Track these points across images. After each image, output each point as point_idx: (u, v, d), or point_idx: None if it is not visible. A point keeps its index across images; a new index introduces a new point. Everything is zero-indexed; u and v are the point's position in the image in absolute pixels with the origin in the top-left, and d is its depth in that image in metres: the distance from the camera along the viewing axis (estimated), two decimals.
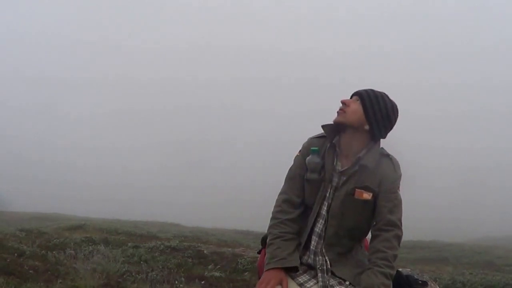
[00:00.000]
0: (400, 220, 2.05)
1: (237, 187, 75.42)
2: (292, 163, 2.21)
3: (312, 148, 2.10)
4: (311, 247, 2.10)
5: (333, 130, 2.12)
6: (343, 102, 2.09)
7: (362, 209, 2.06)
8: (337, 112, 2.09)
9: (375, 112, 2.06)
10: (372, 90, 2.12)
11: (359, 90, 2.13)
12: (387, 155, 2.11)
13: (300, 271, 2.07)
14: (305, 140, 2.22)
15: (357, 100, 2.09)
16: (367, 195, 2.04)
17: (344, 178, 2.08)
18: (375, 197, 2.05)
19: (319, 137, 2.17)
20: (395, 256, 2.00)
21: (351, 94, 2.17)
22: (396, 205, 2.05)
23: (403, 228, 2.07)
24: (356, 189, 2.05)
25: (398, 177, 2.09)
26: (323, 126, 2.13)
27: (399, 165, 2.11)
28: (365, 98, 2.08)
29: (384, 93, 2.14)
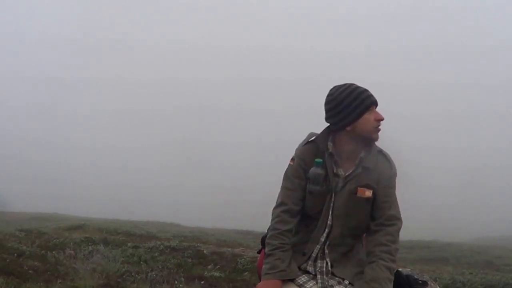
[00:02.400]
0: (399, 213, 2.12)
1: (237, 187, 75.36)
2: (287, 167, 2.21)
3: (316, 160, 2.10)
4: (312, 254, 2.13)
5: (325, 137, 2.14)
6: (381, 119, 2.09)
7: (365, 207, 2.09)
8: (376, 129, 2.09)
9: None
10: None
11: (375, 99, 2.11)
12: (380, 151, 2.15)
13: (299, 273, 2.10)
14: (303, 139, 2.21)
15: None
16: (368, 193, 2.09)
17: (347, 181, 2.11)
18: (374, 193, 2.10)
19: (308, 143, 2.17)
20: (397, 250, 2.06)
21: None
22: (394, 199, 2.12)
23: (402, 228, 2.13)
24: (358, 188, 2.08)
25: (394, 173, 2.14)
26: (315, 138, 2.15)
27: (392, 160, 2.16)
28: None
29: None
